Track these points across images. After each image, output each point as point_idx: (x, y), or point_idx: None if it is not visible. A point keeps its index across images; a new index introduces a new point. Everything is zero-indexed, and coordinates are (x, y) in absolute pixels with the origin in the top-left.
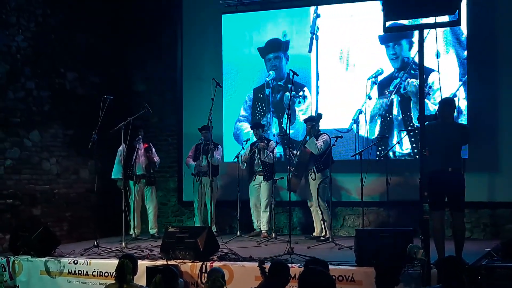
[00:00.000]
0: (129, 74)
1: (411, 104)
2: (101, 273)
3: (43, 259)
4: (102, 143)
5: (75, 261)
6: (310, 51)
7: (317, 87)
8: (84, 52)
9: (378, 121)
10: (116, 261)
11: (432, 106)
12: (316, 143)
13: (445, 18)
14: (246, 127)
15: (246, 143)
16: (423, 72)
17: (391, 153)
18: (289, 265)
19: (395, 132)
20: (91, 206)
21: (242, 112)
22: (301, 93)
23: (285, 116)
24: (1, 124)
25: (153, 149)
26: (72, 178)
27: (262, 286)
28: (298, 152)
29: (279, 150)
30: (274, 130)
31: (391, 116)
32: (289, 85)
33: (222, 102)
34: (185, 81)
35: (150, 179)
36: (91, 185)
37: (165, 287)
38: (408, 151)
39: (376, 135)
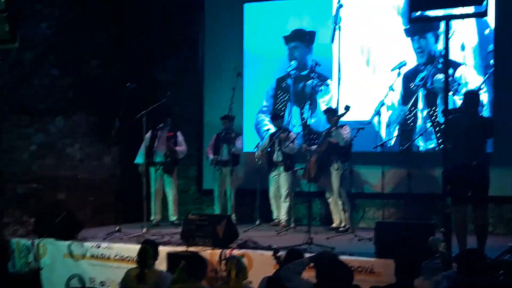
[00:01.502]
0: (152, 63)
1: (438, 100)
2: (123, 258)
3: (67, 243)
4: (125, 130)
5: (98, 245)
6: (332, 42)
7: (339, 78)
8: (108, 41)
9: (405, 112)
10: (138, 246)
11: (459, 102)
12: (343, 134)
13: (471, 9)
14: (266, 122)
15: (267, 133)
16: (448, 64)
17: (414, 146)
18: (308, 254)
19: (420, 125)
20: (113, 191)
21: (264, 103)
22: (325, 82)
23: (307, 106)
24: (26, 110)
25: (180, 138)
26: (95, 164)
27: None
28: (314, 147)
29: (299, 141)
30: (295, 120)
31: (415, 110)
32: (311, 74)
33: (242, 92)
34: (206, 71)
35: (167, 166)
36: (114, 171)
37: (192, 274)
38: (433, 145)
39: (399, 127)
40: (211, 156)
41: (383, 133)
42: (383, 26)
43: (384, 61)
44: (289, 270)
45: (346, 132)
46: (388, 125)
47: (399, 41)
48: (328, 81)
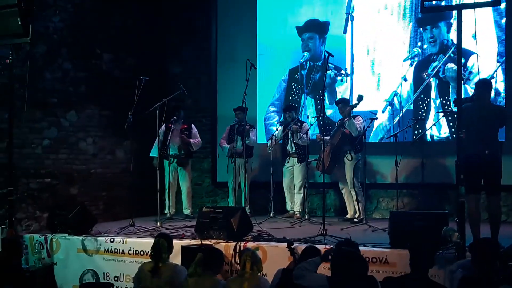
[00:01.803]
0: (165, 57)
1: (450, 89)
2: (137, 252)
3: (80, 237)
4: (138, 124)
5: (112, 240)
6: (345, 32)
7: (352, 69)
8: (120, 34)
9: (418, 102)
10: (152, 240)
11: (471, 90)
12: (356, 125)
13: None
14: (274, 115)
15: (280, 124)
16: (461, 54)
17: (428, 136)
18: (323, 246)
19: (433, 115)
20: (126, 186)
21: (276, 95)
22: (343, 72)
23: (324, 96)
24: (39, 104)
25: (194, 131)
26: (108, 158)
27: (292, 267)
28: (334, 135)
29: (315, 132)
30: (310, 111)
31: (428, 100)
32: (330, 65)
33: (256, 84)
34: (219, 63)
35: (180, 159)
36: (127, 165)
37: (208, 268)
38: (446, 134)
39: (412, 117)
40: (226, 145)
41: (396, 123)
42: (395, 16)
43: (397, 51)
44: (302, 269)
45: (359, 122)
46: (401, 115)
47: (413, 30)
48: (343, 71)
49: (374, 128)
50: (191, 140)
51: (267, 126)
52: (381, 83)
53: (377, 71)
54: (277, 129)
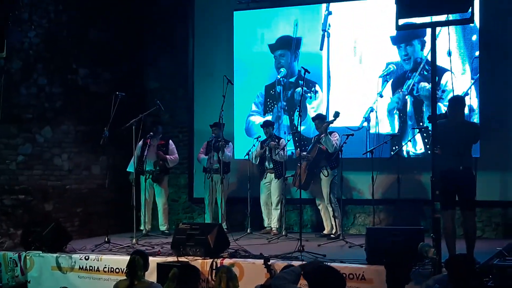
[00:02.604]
0: (141, 71)
1: (424, 107)
2: (112, 269)
3: (55, 255)
4: (114, 139)
5: (86, 257)
6: (321, 49)
7: (328, 85)
8: (96, 49)
9: (394, 117)
10: (127, 257)
11: (444, 108)
12: (332, 141)
13: (457, 16)
14: (257, 119)
15: (257, 140)
16: (435, 71)
17: (404, 152)
18: (299, 262)
19: (409, 131)
20: (102, 202)
21: (254, 108)
22: (312, 89)
23: (296, 113)
24: (13, 120)
25: (171, 147)
26: (84, 174)
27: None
28: (306, 153)
29: (290, 148)
30: (286, 127)
31: (405, 116)
32: (300, 82)
33: (233, 99)
34: (196, 78)
35: (155, 175)
36: (103, 181)
37: (184, 285)
38: (422, 150)
39: (388, 133)
40: (204, 156)
41: (372, 139)
42: (371, 33)
43: (373, 68)
44: (281, 279)
45: (335, 138)
46: (377, 132)
47: (388, 47)
48: (316, 87)
49: (354, 145)
50: (167, 156)
51: (251, 133)
52: (357, 99)
53: (354, 87)
54: (254, 145)
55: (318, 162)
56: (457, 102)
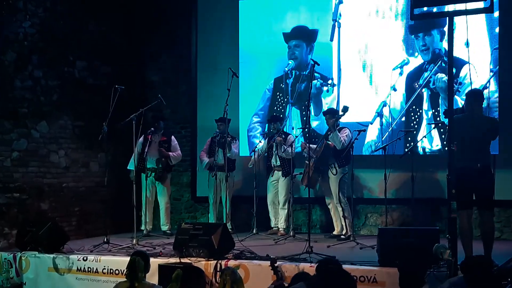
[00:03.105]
0: (142, 64)
1: (440, 100)
2: (111, 271)
3: (51, 256)
4: (113, 135)
5: (85, 258)
6: (331, 40)
7: (339, 78)
8: (95, 40)
9: (409, 112)
10: (127, 258)
11: (461, 102)
12: (340, 137)
13: (476, 5)
14: (259, 127)
15: (264, 137)
16: (452, 62)
17: (419, 149)
18: (308, 264)
19: (425, 127)
20: (101, 200)
21: (260, 105)
22: (329, 81)
23: (311, 105)
24: (8, 115)
25: (174, 143)
26: (82, 171)
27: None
28: (317, 147)
29: (298, 144)
30: (295, 122)
31: (420, 111)
32: (316, 75)
33: (238, 94)
34: (200, 71)
35: (158, 173)
36: (101, 179)
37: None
38: (438, 147)
39: (402, 128)
40: (206, 159)
41: (385, 135)
42: (385, 22)
43: (386, 60)
44: None
45: (344, 134)
46: (391, 127)
47: (402, 38)
48: (334, 81)
49: (366, 141)
50: (170, 153)
51: (250, 138)
52: (370, 93)
53: (366, 80)
54: (260, 141)
55: (326, 159)
56: (475, 96)
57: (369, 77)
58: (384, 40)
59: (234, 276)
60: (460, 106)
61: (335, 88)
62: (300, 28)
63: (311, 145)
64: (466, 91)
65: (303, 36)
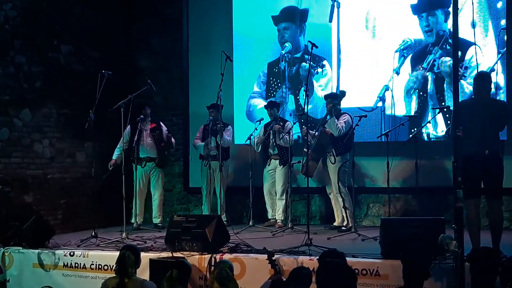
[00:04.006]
0: (131, 48)
1: (445, 85)
2: (100, 266)
3: (36, 251)
4: (101, 123)
5: (71, 253)
6: (330, 21)
7: (338, 60)
8: (81, 24)
9: (412, 96)
10: (117, 253)
11: (467, 87)
12: (337, 124)
13: None
14: (259, 103)
15: (259, 123)
16: (457, 44)
17: (424, 135)
18: (307, 257)
19: (429, 112)
20: (88, 192)
21: (256, 89)
22: (320, 64)
23: (302, 91)
24: None
25: (164, 129)
26: (68, 161)
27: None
28: (317, 133)
29: (296, 131)
30: (291, 107)
31: (425, 95)
32: (306, 56)
33: (232, 78)
34: (191, 55)
35: (162, 161)
36: (88, 170)
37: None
38: (443, 133)
39: (406, 114)
40: (200, 143)
41: (388, 121)
42: (387, 1)
43: (389, 41)
44: None
45: (342, 121)
46: (394, 112)
47: (407, 18)
48: (324, 62)
49: (367, 128)
50: (172, 139)
51: (252, 117)
52: (371, 77)
53: (367, 63)
54: (256, 128)
55: (323, 147)
56: (483, 78)
57: (370, 60)
58: (386, 20)
59: (221, 274)
60: (466, 91)
61: (334, 71)
62: (289, 9)
63: (310, 131)
64: (472, 74)
65: (291, 18)
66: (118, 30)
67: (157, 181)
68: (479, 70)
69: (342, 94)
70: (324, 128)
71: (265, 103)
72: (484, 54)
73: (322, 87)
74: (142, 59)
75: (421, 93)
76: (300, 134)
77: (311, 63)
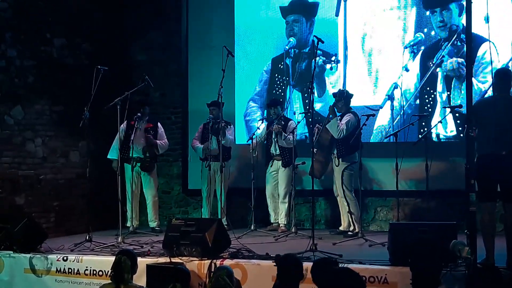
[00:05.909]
0: (127, 42)
1: (453, 82)
2: (94, 272)
3: (28, 255)
4: (96, 121)
5: (65, 258)
6: (337, 15)
7: (345, 57)
8: (74, 16)
9: (422, 95)
10: (112, 258)
11: (477, 83)
12: (338, 125)
13: None
14: (256, 110)
15: (262, 122)
16: (471, 39)
17: (433, 135)
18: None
19: (439, 111)
20: (82, 194)
21: (257, 89)
22: (333, 58)
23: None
24: None
25: (160, 131)
26: (61, 161)
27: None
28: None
29: (302, 131)
30: (296, 106)
31: (434, 93)
32: (318, 52)
33: (234, 75)
34: (191, 50)
35: (145, 164)
36: (83, 170)
37: None
38: (454, 133)
39: (416, 113)
40: (199, 145)
41: (396, 120)
42: None
43: (398, 37)
44: None
45: (345, 121)
46: (403, 111)
47: (418, 13)
48: (338, 57)
49: (375, 127)
50: (157, 141)
51: (248, 123)
52: (379, 74)
53: (375, 60)
54: (258, 128)
55: (326, 147)
56: (501, 75)
57: (378, 56)
58: (395, 15)
59: (218, 283)
60: (475, 88)
61: (341, 67)
62: (299, 1)
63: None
64: (485, 71)
65: (302, 10)
66: (113, 23)
67: (149, 182)
68: (493, 67)
69: (349, 95)
70: (325, 128)
71: (264, 108)
72: (498, 50)
73: (332, 84)
74: (138, 53)
75: (431, 90)
76: (307, 134)
77: (324, 58)
